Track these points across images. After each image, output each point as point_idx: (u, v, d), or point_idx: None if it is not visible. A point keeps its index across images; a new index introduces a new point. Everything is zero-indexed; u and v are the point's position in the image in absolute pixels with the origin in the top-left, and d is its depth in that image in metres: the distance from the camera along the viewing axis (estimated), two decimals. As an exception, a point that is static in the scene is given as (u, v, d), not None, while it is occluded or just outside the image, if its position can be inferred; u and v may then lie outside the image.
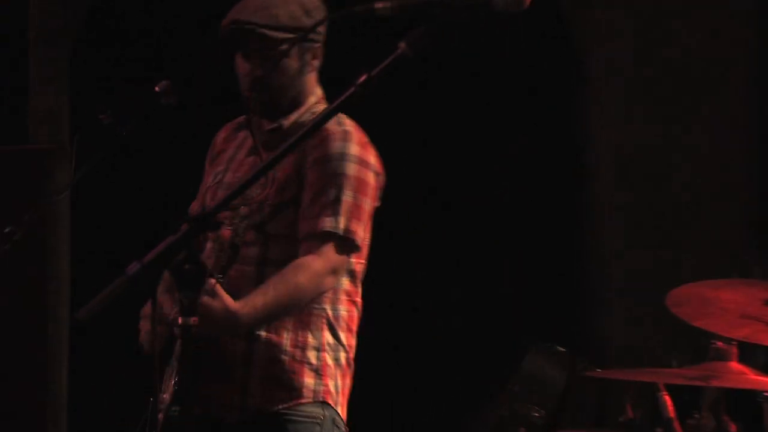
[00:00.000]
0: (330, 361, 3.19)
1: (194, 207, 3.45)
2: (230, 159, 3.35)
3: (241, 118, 3.39)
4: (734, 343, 2.78)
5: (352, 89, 2.02)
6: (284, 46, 3.17)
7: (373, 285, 4.29)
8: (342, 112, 2.21)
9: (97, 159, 3.08)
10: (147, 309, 3.16)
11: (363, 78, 2.00)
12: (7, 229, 2.97)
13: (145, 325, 3.18)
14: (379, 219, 4.77)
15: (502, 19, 2.04)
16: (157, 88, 3.11)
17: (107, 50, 5.25)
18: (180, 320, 2.08)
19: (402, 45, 1.99)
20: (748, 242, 5.25)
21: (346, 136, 3.20)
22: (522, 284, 5.01)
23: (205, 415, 3.02)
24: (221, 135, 3.46)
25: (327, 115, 2.23)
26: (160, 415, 2.86)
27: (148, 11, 4.62)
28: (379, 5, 2.08)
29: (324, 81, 3.08)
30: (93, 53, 5.41)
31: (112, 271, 1.99)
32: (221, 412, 3.10)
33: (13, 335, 3.96)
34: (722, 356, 2.79)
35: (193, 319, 2.09)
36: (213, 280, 2.81)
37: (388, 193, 4.49)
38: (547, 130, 5.52)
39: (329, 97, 2.16)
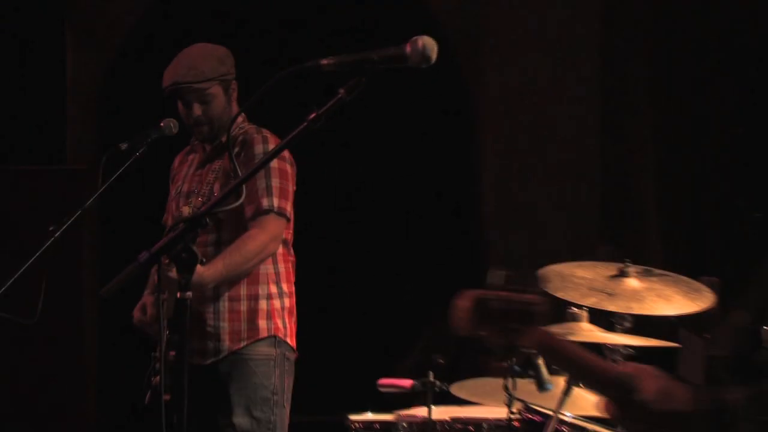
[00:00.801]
0: (277, 306, 3.27)
1: (166, 217, 3.47)
2: (185, 175, 3.39)
3: (188, 147, 3.47)
4: (585, 308, 2.79)
5: (305, 123, 1.95)
6: (212, 90, 3.27)
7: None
8: (297, 140, 2.12)
9: (116, 175, 3.10)
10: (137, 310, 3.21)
11: (312, 115, 1.94)
12: (50, 228, 2.98)
13: (137, 313, 3.20)
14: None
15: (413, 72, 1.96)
16: (162, 124, 3.10)
17: (130, 90, 5.15)
18: (179, 294, 2.05)
19: (341, 91, 1.94)
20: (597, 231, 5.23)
21: (264, 140, 3.24)
22: (433, 273, 5.01)
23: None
24: (176, 161, 3.52)
25: (288, 142, 2.14)
26: (158, 365, 2.93)
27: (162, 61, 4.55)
28: (324, 62, 2.00)
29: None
30: (118, 94, 5.32)
31: (128, 258, 1.99)
32: (199, 358, 3.15)
33: (56, 308, 3.89)
34: (576, 318, 2.80)
35: (188, 294, 2.07)
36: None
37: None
38: (445, 158, 5.41)
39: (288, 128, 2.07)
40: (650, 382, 1.61)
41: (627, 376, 1.62)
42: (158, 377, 3.04)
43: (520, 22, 5.31)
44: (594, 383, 1.77)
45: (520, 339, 1.63)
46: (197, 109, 3.21)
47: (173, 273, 2.17)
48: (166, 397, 2.34)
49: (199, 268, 2.59)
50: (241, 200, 2.17)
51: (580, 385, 2.64)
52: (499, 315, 1.60)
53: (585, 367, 1.70)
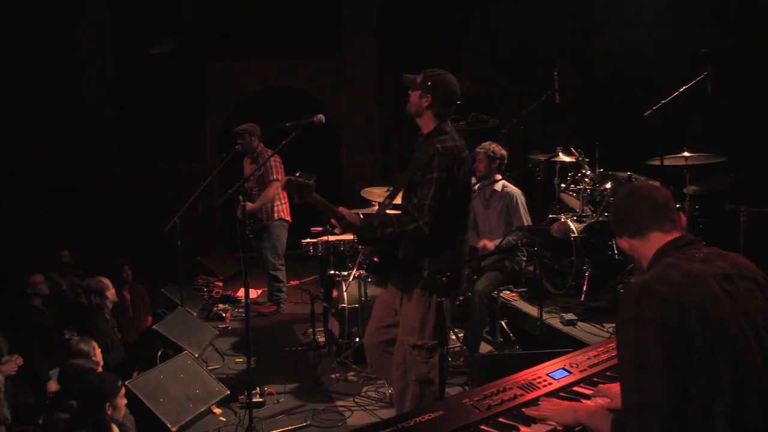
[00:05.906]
0: (281, 208, 6.62)
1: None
2: (245, 168, 6.64)
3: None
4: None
5: (281, 146, 3.62)
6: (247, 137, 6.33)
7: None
8: (279, 152, 4.13)
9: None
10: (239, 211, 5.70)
11: (284, 142, 3.60)
12: (202, 187, 5.54)
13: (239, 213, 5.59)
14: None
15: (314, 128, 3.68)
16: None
17: (240, 122, 6.69)
18: (247, 207, 5.49)
19: (293, 133, 3.61)
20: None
21: (267, 153, 6.24)
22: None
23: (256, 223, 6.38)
24: (246, 160, 6.42)
25: (276, 152, 3.98)
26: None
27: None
28: (288, 124, 3.64)
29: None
30: (234, 124, 6.82)
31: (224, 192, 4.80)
32: (260, 225, 6.49)
33: (198, 222, 6.08)
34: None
35: (248, 205, 5.58)
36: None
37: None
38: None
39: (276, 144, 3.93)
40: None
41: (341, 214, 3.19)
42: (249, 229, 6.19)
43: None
44: (335, 218, 3.21)
45: (306, 195, 3.09)
46: (244, 141, 6.33)
47: (243, 203, 5.39)
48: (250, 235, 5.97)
49: (248, 203, 5.95)
50: (261, 172, 5.48)
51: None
52: (297, 185, 3.07)
53: (329, 209, 3.16)
